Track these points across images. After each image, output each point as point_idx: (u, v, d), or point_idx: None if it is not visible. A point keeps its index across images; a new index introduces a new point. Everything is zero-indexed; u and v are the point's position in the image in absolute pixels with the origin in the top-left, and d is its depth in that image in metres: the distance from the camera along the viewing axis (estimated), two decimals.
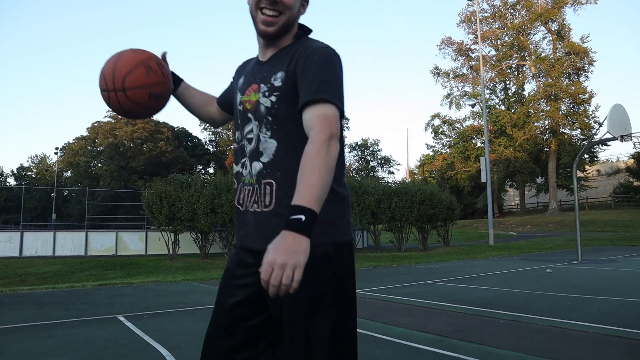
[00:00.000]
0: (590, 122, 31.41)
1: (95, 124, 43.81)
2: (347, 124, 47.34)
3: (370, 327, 4.21)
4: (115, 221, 27.29)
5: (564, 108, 32.30)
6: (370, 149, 48.92)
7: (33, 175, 53.58)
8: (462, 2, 45.00)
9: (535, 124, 32.88)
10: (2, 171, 53.02)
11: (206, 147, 49.42)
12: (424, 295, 6.09)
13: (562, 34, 32.31)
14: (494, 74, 35.09)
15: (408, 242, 16.23)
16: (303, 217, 1.03)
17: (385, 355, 3.38)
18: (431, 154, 44.60)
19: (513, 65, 35.40)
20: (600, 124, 11.15)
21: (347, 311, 1.24)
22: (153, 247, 15.06)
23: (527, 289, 6.55)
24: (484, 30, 33.43)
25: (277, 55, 1.33)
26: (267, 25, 1.29)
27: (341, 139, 1.24)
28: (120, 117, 37.86)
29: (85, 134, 44.83)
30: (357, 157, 48.74)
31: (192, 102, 1.61)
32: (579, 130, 32.42)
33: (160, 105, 1.44)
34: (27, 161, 58.05)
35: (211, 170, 45.22)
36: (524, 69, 35.43)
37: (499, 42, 34.86)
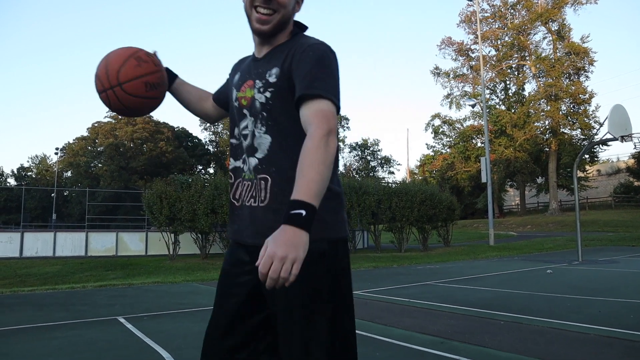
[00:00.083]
0: (591, 122, 31.43)
1: (96, 124, 43.79)
2: (347, 124, 47.42)
3: (371, 328, 4.21)
4: (116, 222, 27.31)
5: (564, 108, 32.30)
6: (371, 149, 48.99)
7: (33, 176, 53.58)
8: (462, 2, 44.99)
9: (535, 124, 32.88)
10: (3, 171, 52.98)
11: (206, 147, 49.37)
12: (424, 297, 6.09)
13: (563, 34, 32.32)
14: (494, 74, 35.09)
15: (408, 243, 16.23)
16: (303, 212, 1.03)
17: (386, 357, 3.37)
18: (431, 154, 44.65)
19: (513, 65, 35.40)
20: (601, 124, 11.15)
21: (342, 308, 1.24)
22: (153, 248, 15.08)
23: (528, 290, 6.55)
24: (484, 30, 33.42)
25: (272, 52, 1.33)
26: (261, 24, 1.30)
27: None
28: (120, 117, 38.06)
29: (85, 134, 44.82)
30: (357, 157, 48.78)
31: (188, 98, 1.61)
32: (579, 130, 32.45)
33: (158, 95, 1.44)
34: (28, 161, 58.06)
35: (211, 171, 45.21)
36: (524, 69, 35.44)
37: (499, 42, 34.87)
